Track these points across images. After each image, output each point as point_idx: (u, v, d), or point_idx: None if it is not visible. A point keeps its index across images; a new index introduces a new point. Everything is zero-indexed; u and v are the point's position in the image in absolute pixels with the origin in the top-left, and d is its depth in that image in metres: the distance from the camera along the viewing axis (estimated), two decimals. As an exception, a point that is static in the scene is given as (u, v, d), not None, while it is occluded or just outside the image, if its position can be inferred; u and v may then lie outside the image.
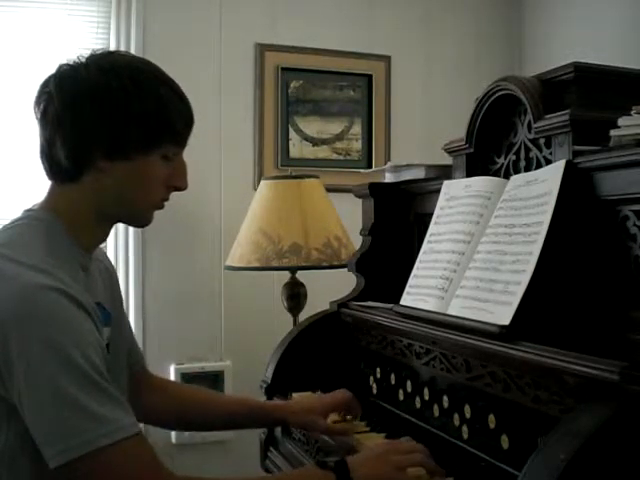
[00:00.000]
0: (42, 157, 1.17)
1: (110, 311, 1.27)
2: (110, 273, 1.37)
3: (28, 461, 1.05)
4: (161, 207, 1.23)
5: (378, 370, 1.72)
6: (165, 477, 1.04)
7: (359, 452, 1.27)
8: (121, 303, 1.41)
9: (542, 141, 1.40)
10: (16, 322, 0.99)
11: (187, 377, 2.78)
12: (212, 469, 2.64)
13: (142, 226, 1.27)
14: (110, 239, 2.63)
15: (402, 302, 1.60)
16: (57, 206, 1.16)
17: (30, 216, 1.16)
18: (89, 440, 0.97)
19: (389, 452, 1.18)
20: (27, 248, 1.08)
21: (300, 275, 2.52)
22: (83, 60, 1.15)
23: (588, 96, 1.34)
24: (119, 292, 1.41)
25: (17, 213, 1.19)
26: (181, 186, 1.22)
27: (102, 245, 1.30)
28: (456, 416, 1.38)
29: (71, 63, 1.15)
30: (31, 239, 1.10)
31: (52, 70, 1.17)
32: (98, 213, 1.17)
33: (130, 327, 1.46)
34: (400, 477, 1.14)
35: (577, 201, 1.24)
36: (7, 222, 1.17)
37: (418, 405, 1.53)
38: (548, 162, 1.37)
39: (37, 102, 1.15)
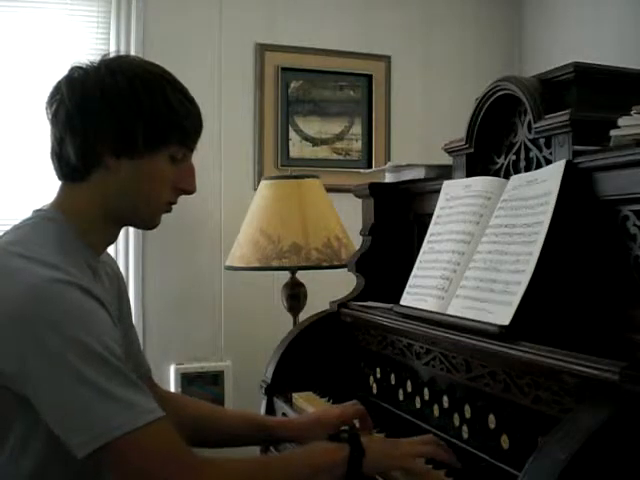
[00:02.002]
0: (52, 157, 1.18)
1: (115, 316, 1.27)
2: (118, 279, 1.36)
3: (32, 459, 1.06)
4: (169, 210, 1.23)
5: (378, 370, 1.72)
6: (191, 459, 1.04)
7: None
8: (129, 312, 1.40)
9: (542, 141, 1.40)
10: (29, 319, 0.99)
11: (187, 377, 2.78)
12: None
13: (149, 228, 1.26)
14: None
15: (402, 302, 1.60)
16: (66, 206, 1.17)
17: (39, 216, 1.17)
18: (118, 425, 0.97)
19: (401, 441, 1.23)
20: (37, 245, 1.09)
21: (300, 275, 2.52)
22: (94, 63, 1.17)
23: (588, 96, 1.34)
24: (127, 301, 1.40)
25: (26, 214, 1.20)
26: (189, 189, 1.22)
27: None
28: (456, 416, 1.38)
29: (82, 66, 1.17)
30: (41, 237, 1.11)
31: (56, 71, 1.19)
32: (106, 213, 1.18)
33: (137, 336, 1.44)
34: (408, 462, 1.18)
35: (577, 201, 1.24)
36: (17, 222, 1.18)
37: (418, 405, 1.53)
38: (548, 162, 1.37)
39: (49, 103, 1.17)
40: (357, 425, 1.44)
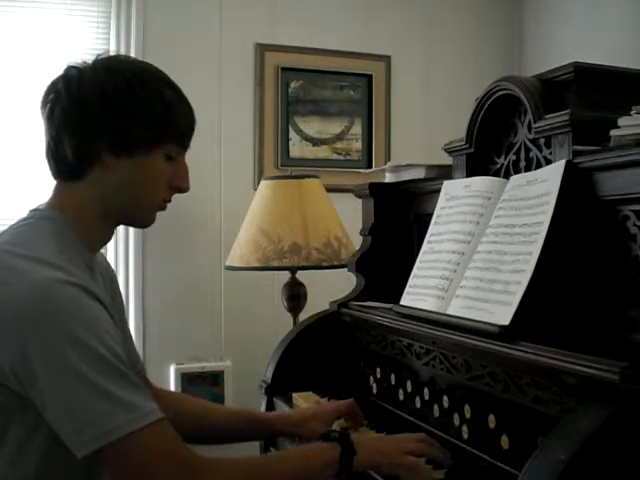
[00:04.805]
0: (48, 156, 1.18)
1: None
2: (112, 278, 1.37)
3: (34, 457, 1.06)
4: (163, 208, 1.24)
5: (378, 370, 1.72)
6: (191, 459, 1.05)
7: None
8: (123, 310, 1.41)
9: (542, 141, 1.40)
10: (32, 319, 1.00)
11: (187, 377, 2.78)
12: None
13: (144, 226, 1.28)
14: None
15: (402, 302, 1.60)
16: (63, 205, 1.17)
17: (36, 215, 1.17)
18: (118, 426, 0.98)
19: (392, 437, 1.26)
20: (36, 245, 1.09)
21: (300, 275, 2.52)
22: (90, 62, 1.18)
23: (588, 96, 1.34)
24: (121, 299, 1.41)
25: (22, 213, 1.20)
26: (183, 187, 1.23)
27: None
28: (456, 416, 1.38)
29: (78, 65, 1.17)
30: (39, 237, 1.11)
31: (56, 70, 1.20)
32: (102, 212, 1.19)
33: (130, 334, 1.45)
34: (401, 458, 1.19)
35: (577, 201, 1.24)
36: (13, 222, 1.17)
37: (418, 405, 1.53)
38: (548, 162, 1.37)
39: (44, 102, 1.17)
40: (347, 422, 1.48)
